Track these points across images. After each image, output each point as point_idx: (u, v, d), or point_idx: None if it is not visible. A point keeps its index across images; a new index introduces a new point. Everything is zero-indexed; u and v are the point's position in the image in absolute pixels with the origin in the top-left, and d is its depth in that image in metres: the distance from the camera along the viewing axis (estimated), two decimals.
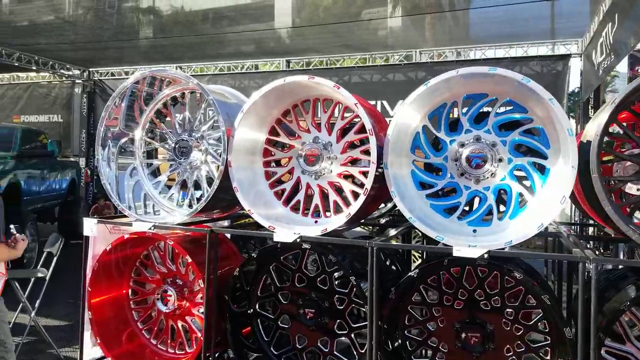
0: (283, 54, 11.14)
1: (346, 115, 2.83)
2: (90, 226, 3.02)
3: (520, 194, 2.53)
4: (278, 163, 3.02)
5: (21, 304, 3.88)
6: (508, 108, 2.59)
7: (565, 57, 9.79)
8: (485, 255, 2.33)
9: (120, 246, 3.03)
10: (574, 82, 10.08)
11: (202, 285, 2.78)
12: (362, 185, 2.71)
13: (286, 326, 2.91)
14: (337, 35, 11.62)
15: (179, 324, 3.10)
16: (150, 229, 2.89)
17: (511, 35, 10.16)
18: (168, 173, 3.28)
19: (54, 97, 11.57)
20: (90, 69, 10.97)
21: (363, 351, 2.63)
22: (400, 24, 11.59)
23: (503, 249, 2.38)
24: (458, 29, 10.99)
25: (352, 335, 2.74)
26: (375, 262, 2.45)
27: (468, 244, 2.39)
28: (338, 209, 2.79)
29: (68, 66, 10.76)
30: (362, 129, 2.71)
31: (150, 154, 3.43)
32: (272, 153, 2.98)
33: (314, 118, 2.88)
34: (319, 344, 2.82)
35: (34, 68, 10.02)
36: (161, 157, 3.48)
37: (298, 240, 2.58)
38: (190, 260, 2.81)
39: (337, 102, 2.81)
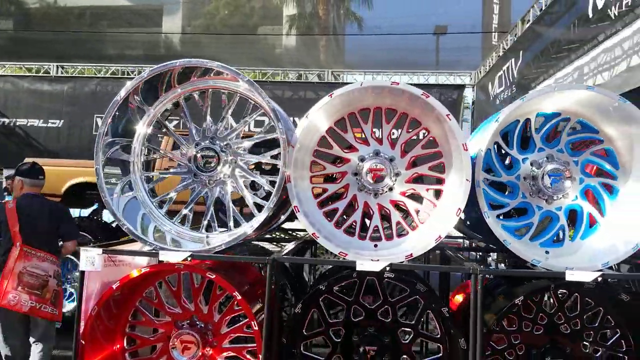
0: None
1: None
2: (90, 258, 2.37)
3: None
4: (327, 178, 2.74)
5: None
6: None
7: (460, 87, 10.84)
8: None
9: (131, 283, 2.44)
10: (466, 111, 11.14)
11: (254, 328, 2.35)
12: (430, 205, 2.58)
13: None
14: (234, 47, 11.44)
15: None
16: (186, 259, 2.37)
17: (413, 64, 10.98)
18: (180, 188, 2.75)
19: None
20: None
21: None
22: (294, 43, 11.87)
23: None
24: (356, 54, 11.58)
25: None
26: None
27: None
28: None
29: None
30: (429, 144, 2.60)
31: (147, 165, 2.87)
32: (322, 167, 2.69)
33: (372, 129, 2.67)
34: None
35: None
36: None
37: (388, 268, 2.33)
38: (239, 297, 2.36)
39: (403, 112, 2.64)
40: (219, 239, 2.66)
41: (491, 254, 4.70)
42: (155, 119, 2.80)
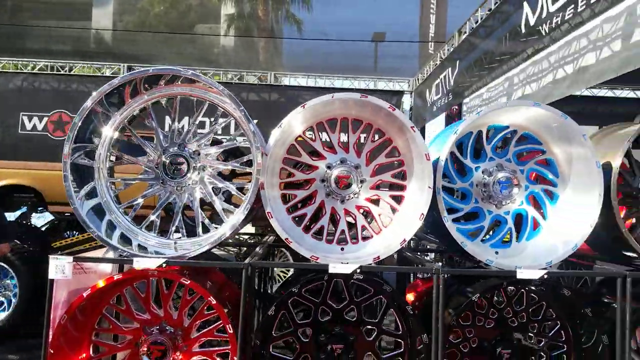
0: (110, 58, 10.39)
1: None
2: (60, 266, 2.35)
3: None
4: (295, 185, 2.85)
5: None
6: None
7: (399, 93, 11.29)
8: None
9: (101, 291, 2.44)
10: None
11: (228, 331, 2.44)
12: (393, 210, 2.77)
13: None
14: (169, 45, 11.20)
15: None
16: (161, 265, 2.41)
17: (354, 69, 11.28)
18: (147, 194, 2.77)
19: None
20: None
21: None
22: (232, 43, 11.87)
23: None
24: (296, 57, 11.75)
25: None
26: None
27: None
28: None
29: None
30: (391, 152, 2.80)
31: (111, 171, 2.86)
32: (291, 174, 2.81)
33: (339, 138, 2.82)
34: None
35: None
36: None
37: (358, 270, 2.49)
38: (214, 302, 2.43)
39: (368, 122, 2.81)
40: (188, 244, 2.72)
41: (429, 254, 4.97)
42: (121, 124, 2.80)
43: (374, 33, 11.02)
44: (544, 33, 6.31)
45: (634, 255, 2.88)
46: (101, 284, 2.45)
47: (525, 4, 6.83)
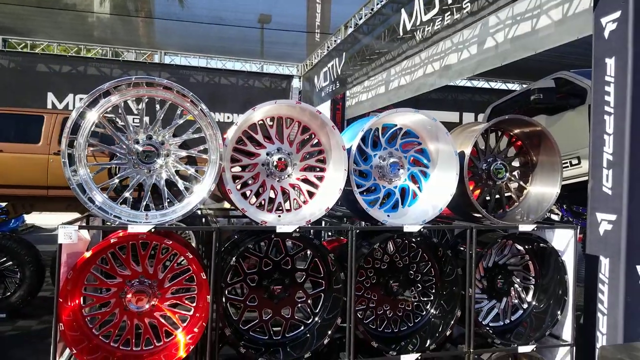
0: None
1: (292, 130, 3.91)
2: (68, 233, 3.10)
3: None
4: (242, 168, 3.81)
5: None
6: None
7: (289, 77, 12.38)
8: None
9: (100, 252, 3.23)
10: (294, 99, 12.71)
11: (203, 278, 3.37)
12: (316, 187, 3.87)
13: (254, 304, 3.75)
14: (38, 15, 10.79)
15: (147, 321, 3.49)
16: (150, 230, 3.25)
17: (244, 52, 12.06)
18: (121, 176, 3.55)
19: None
20: None
21: None
22: (109, 15, 11.98)
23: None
24: (179, 36, 12.21)
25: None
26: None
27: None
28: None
29: None
30: (315, 143, 3.88)
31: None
32: (239, 160, 3.75)
33: (277, 132, 3.82)
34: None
35: None
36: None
37: (297, 230, 3.54)
38: (191, 257, 3.34)
39: (298, 120, 3.84)
40: (158, 215, 3.56)
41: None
42: (97, 119, 3.52)
43: (260, 14, 11.82)
44: (417, 39, 7.75)
45: (479, 215, 4.28)
46: (102, 244, 3.23)
47: (402, 10, 8.22)
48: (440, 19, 7.36)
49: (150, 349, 3.51)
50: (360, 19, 9.69)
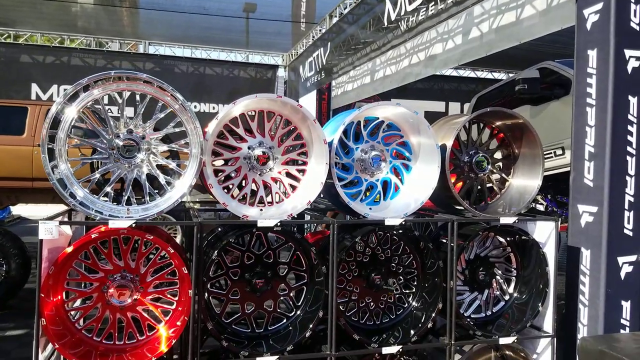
0: None
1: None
2: (49, 229, 3.09)
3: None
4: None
5: None
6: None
7: (275, 67, 12.32)
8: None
9: (81, 247, 3.22)
10: (280, 89, 12.69)
11: (184, 272, 3.37)
12: (298, 180, 3.88)
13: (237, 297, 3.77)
14: (20, 4, 10.67)
15: (129, 315, 3.50)
16: (131, 225, 3.25)
17: (228, 41, 11.96)
18: (102, 171, 3.53)
19: None
20: None
21: None
22: (92, 4, 11.83)
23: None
24: (164, 25, 12.08)
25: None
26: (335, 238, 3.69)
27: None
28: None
29: None
30: (297, 137, 3.88)
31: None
32: (221, 154, 3.75)
33: (258, 126, 3.81)
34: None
35: None
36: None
37: (278, 224, 3.56)
38: (172, 251, 3.35)
39: (279, 114, 3.84)
40: (139, 209, 3.55)
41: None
42: (77, 114, 3.50)
43: (245, 3, 11.73)
44: (402, 29, 7.74)
45: (461, 208, 4.32)
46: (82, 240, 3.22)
47: (387, 0, 8.18)
48: (425, 8, 7.36)
49: (133, 343, 3.52)
50: (345, 8, 9.66)
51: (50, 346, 3.40)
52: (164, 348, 3.38)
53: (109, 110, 3.58)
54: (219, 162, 3.83)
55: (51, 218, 3.28)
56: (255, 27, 11.97)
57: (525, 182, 4.47)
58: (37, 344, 3.14)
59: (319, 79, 10.66)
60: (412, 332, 3.95)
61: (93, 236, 3.25)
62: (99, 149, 3.55)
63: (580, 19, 4.26)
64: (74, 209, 3.38)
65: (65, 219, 3.54)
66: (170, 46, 11.77)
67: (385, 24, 8.44)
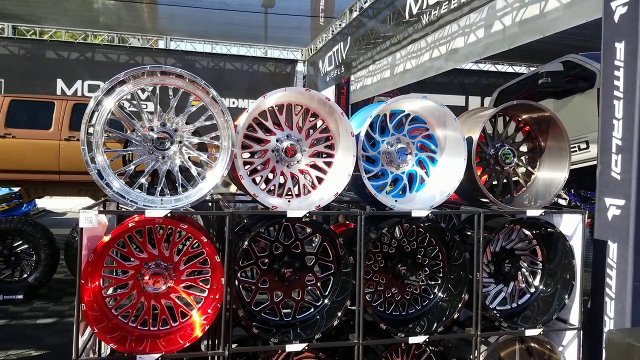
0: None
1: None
2: (89, 217, 3.21)
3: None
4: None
5: None
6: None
7: (294, 62, 12.40)
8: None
9: (119, 235, 3.34)
10: (299, 83, 12.78)
11: (217, 261, 3.48)
12: (325, 172, 3.96)
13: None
14: (44, 2, 10.89)
15: (163, 302, 3.61)
16: (166, 215, 3.36)
17: (248, 37, 12.08)
18: (138, 162, 3.65)
19: None
20: None
21: None
22: (113, 4, 12.01)
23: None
24: (185, 21, 12.24)
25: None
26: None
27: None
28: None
29: None
30: (323, 130, 3.96)
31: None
32: (250, 146, 3.84)
33: (286, 119, 3.90)
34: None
35: None
36: None
37: (307, 214, 3.64)
38: (205, 240, 3.45)
39: (306, 107, 3.92)
40: (172, 200, 3.66)
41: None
42: (113, 108, 3.61)
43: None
44: (423, 23, 7.76)
45: (486, 200, 4.36)
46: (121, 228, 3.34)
47: None
48: (447, 2, 7.37)
49: (167, 329, 3.64)
50: (365, 2, 9.69)
51: (88, 330, 3.53)
52: (198, 333, 3.49)
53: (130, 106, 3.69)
54: (246, 155, 3.92)
55: (90, 207, 3.40)
56: (274, 22, 12.06)
57: (551, 175, 4.49)
58: (78, 328, 3.27)
59: (338, 73, 10.71)
60: (437, 323, 4.01)
61: (130, 225, 3.36)
62: (133, 141, 3.67)
63: (608, 11, 4.26)
64: (109, 199, 3.50)
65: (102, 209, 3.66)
66: (191, 42, 11.92)
67: (407, 17, 8.46)
